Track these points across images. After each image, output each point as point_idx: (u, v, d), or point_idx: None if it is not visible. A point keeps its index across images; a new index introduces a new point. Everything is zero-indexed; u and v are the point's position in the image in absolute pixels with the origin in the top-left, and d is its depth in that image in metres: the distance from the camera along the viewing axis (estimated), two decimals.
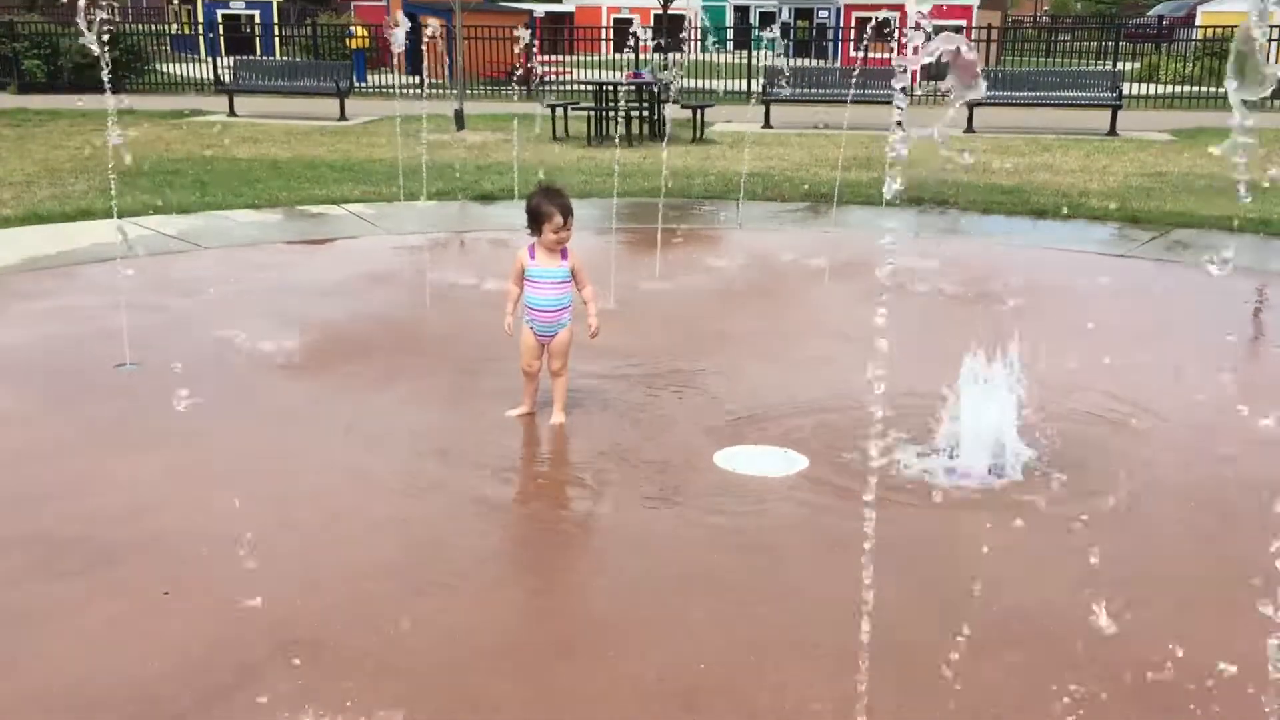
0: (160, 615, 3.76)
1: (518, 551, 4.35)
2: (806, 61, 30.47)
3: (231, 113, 20.47)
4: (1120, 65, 25.22)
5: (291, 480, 4.83)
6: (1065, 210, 11.35)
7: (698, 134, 17.45)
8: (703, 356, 6.60)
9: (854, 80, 19.77)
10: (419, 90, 23.78)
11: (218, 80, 24.47)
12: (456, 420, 5.62)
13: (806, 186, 12.74)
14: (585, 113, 17.52)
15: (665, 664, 3.47)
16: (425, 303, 7.71)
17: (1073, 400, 5.68)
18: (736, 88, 25.09)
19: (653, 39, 20.40)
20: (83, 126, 17.82)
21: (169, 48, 29.41)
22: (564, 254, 5.36)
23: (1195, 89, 24.94)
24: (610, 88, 18.13)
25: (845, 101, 19.96)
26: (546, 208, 5.25)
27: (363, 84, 26.83)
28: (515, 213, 11.32)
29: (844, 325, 7.30)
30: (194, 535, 4.31)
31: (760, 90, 21.09)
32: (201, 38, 30.83)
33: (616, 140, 15.81)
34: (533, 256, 5.36)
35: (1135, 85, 24.66)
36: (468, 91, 21.16)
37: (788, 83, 20.55)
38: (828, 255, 8.89)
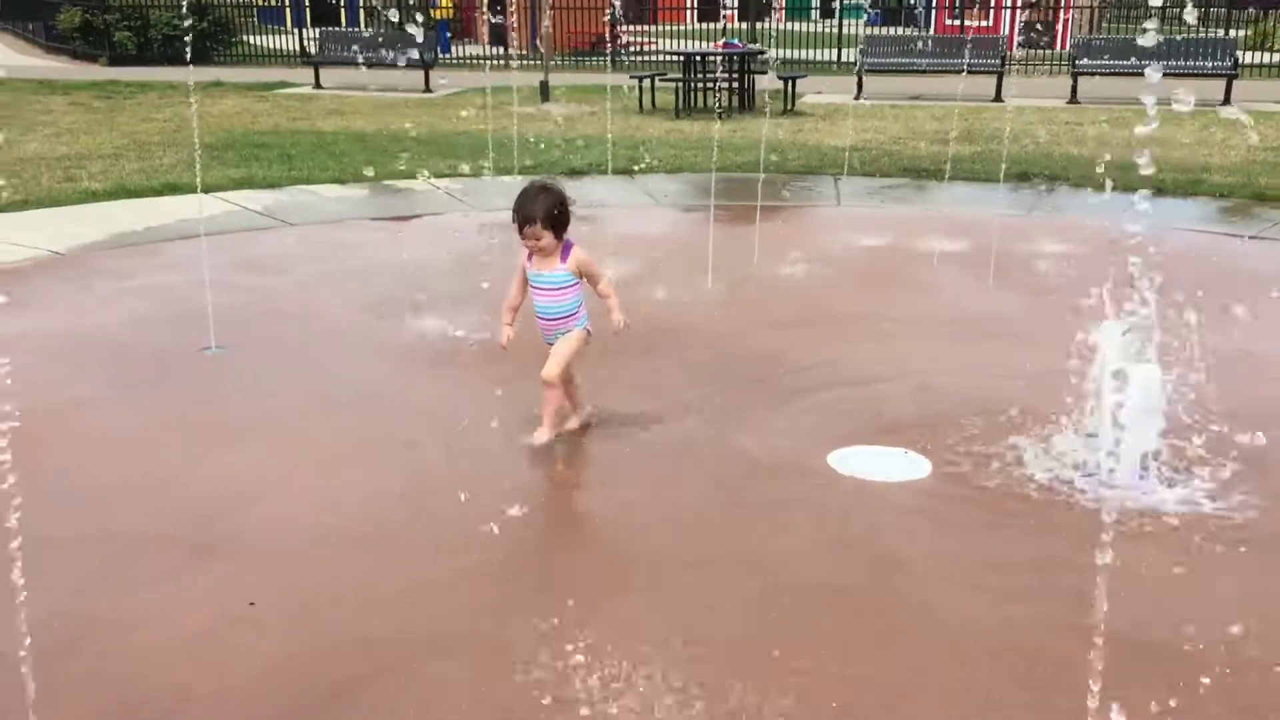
0: (246, 626, 3.51)
1: (623, 565, 4.03)
2: (897, 30, 29.61)
3: (317, 85, 20.41)
4: (1232, 32, 24.04)
5: (384, 474, 4.57)
6: (1185, 187, 10.71)
7: (789, 106, 16.94)
8: (808, 344, 6.22)
9: (949, 50, 19.10)
10: (503, 61, 23.56)
11: (303, 52, 24.49)
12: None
13: (905, 161, 12.23)
14: (673, 84, 17.09)
15: (789, 685, 3.13)
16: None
17: (1237, 395, 5.17)
18: (825, 57, 24.44)
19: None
20: (171, 99, 17.88)
21: (255, 19, 29.53)
22: (564, 254, 4.78)
23: None
24: (699, 58, 17.68)
25: (940, 72, 19.32)
26: (513, 214, 4.71)
27: (446, 55, 26.66)
28: (605, 188, 11.04)
29: (963, 311, 6.88)
30: (282, 536, 4.08)
31: (852, 61, 20.46)
32: (288, 9, 30.91)
33: (716, 112, 15.41)
34: (530, 259, 4.85)
35: (1246, 54, 23.49)
36: (552, 63, 20.86)
37: (879, 53, 19.91)
38: (937, 234, 8.43)
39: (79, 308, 6.85)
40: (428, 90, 19.97)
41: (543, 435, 4.83)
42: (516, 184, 10.49)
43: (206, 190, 9.91)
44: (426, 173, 10.61)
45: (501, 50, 26.48)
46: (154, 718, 3.07)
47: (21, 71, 21.61)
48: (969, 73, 18.87)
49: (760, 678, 3.21)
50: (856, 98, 18.83)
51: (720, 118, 15.82)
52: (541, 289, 4.81)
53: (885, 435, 4.93)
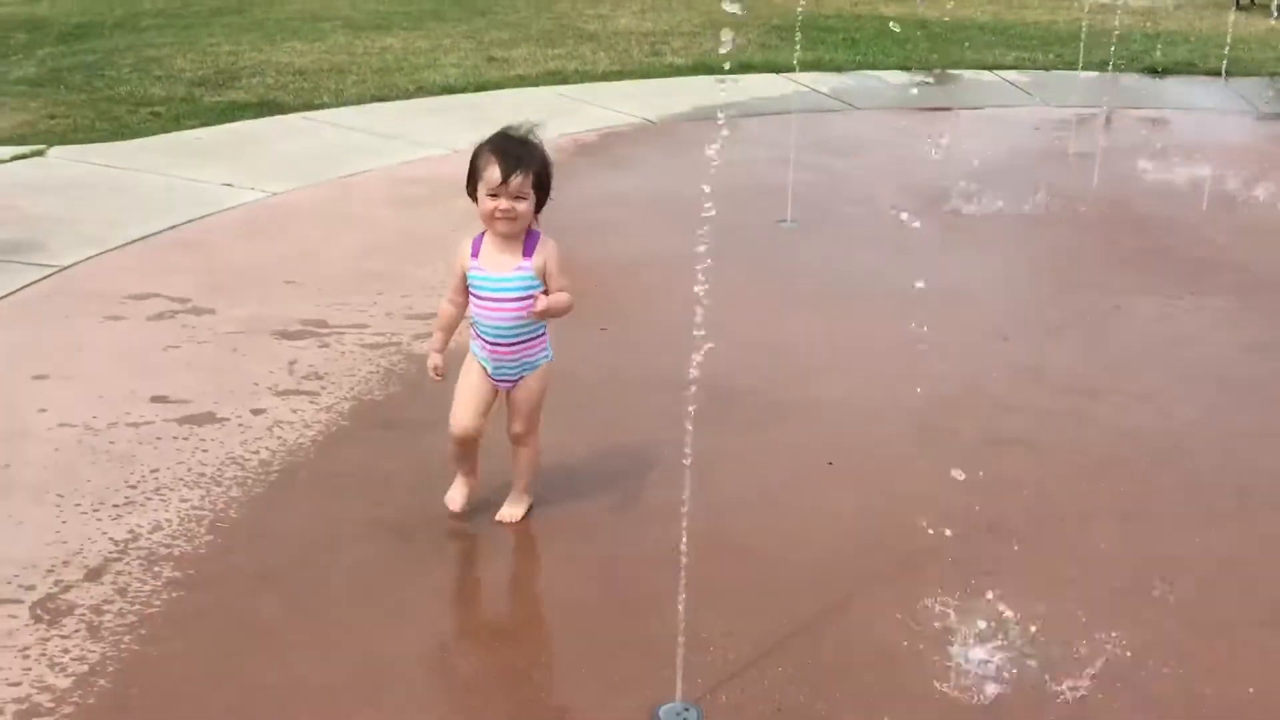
0: (823, 484, 3.74)
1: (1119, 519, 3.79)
2: None
3: None
4: None
5: (949, 360, 4.58)
6: None
7: None
8: None
9: None
10: None
11: None
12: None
13: None
14: None
15: None
16: (1092, 186, 7.05)
17: None
18: None
19: None
20: None
21: None
22: (529, 246, 3.22)
23: None
24: None
25: None
26: (484, 157, 3.15)
27: None
28: (1190, 90, 10.09)
29: None
30: (851, 406, 4.26)
31: None
32: None
33: None
34: (476, 254, 3.25)
35: None
36: None
37: None
38: None
39: (670, 171, 7.44)
40: None
41: (516, 510, 3.49)
42: (1089, 80, 9.95)
43: (777, 70, 10.29)
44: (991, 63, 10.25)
45: None
46: (729, 564, 3.35)
47: None
48: None
49: None
50: None
51: None
52: (491, 299, 3.23)
53: None
